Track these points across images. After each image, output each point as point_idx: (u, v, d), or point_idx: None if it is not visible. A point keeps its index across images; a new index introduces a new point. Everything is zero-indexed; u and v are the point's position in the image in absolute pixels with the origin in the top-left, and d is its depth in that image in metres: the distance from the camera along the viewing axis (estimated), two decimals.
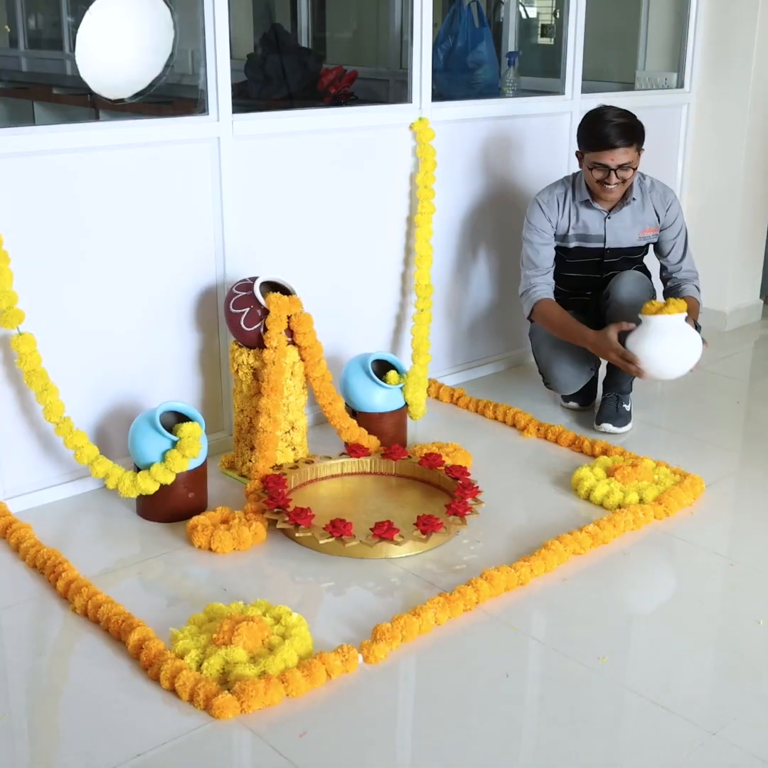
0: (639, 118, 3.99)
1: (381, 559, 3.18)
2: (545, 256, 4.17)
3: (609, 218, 4.13)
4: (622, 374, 4.10)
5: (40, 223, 3.30)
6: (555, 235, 4.18)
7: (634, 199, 4.10)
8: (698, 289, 4.20)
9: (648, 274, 4.23)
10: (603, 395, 4.20)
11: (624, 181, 3.99)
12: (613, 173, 3.96)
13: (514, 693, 2.61)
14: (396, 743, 2.44)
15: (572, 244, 4.20)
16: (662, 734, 2.45)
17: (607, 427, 4.12)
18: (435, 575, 3.11)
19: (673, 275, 4.24)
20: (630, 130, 3.91)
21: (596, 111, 4.01)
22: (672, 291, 4.20)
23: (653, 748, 2.41)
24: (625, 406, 4.18)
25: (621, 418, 4.15)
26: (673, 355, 3.81)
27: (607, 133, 3.91)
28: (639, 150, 3.97)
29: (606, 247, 4.17)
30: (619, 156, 3.92)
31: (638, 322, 3.82)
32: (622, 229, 4.15)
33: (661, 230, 4.20)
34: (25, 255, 3.25)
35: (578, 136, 4.04)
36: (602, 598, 3.06)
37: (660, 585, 3.15)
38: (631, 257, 4.21)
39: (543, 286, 4.15)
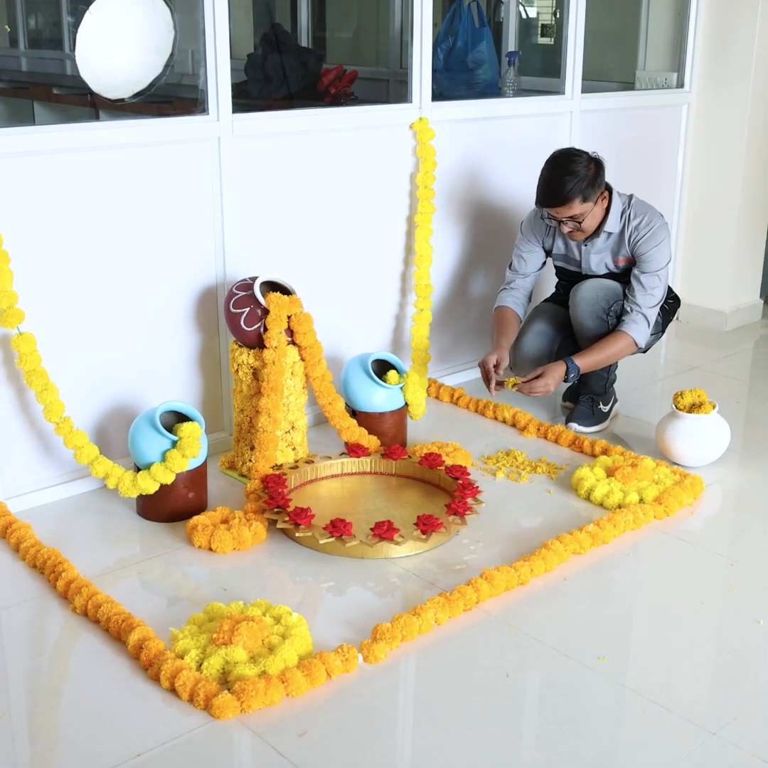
0: (597, 159, 3.89)
1: (381, 559, 3.18)
2: (526, 263, 4.27)
3: (585, 245, 4.12)
4: (591, 377, 4.15)
5: (40, 223, 3.30)
6: (543, 249, 4.27)
7: (608, 232, 4.04)
8: (644, 318, 4.01)
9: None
10: (579, 399, 4.21)
11: (579, 228, 3.97)
12: (561, 223, 3.97)
13: (514, 693, 2.61)
14: (396, 743, 2.44)
15: (556, 263, 4.31)
16: (662, 734, 2.45)
17: (574, 426, 4.15)
18: (435, 575, 3.11)
19: (625, 303, 4.09)
20: (566, 192, 3.83)
21: (549, 161, 3.94)
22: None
23: (653, 748, 2.41)
24: (602, 407, 4.21)
25: (592, 418, 4.17)
26: (701, 448, 3.83)
27: (543, 194, 3.92)
28: (588, 200, 3.87)
29: (583, 272, 4.19)
30: (562, 211, 3.91)
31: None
32: (598, 257, 4.13)
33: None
34: (25, 255, 3.26)
35: None
36: (602, 597, 3.06)
37: (660, 585, 3.15)
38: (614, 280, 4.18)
39: (512, 291, 4.28)
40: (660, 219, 4.06)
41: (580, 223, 3.93)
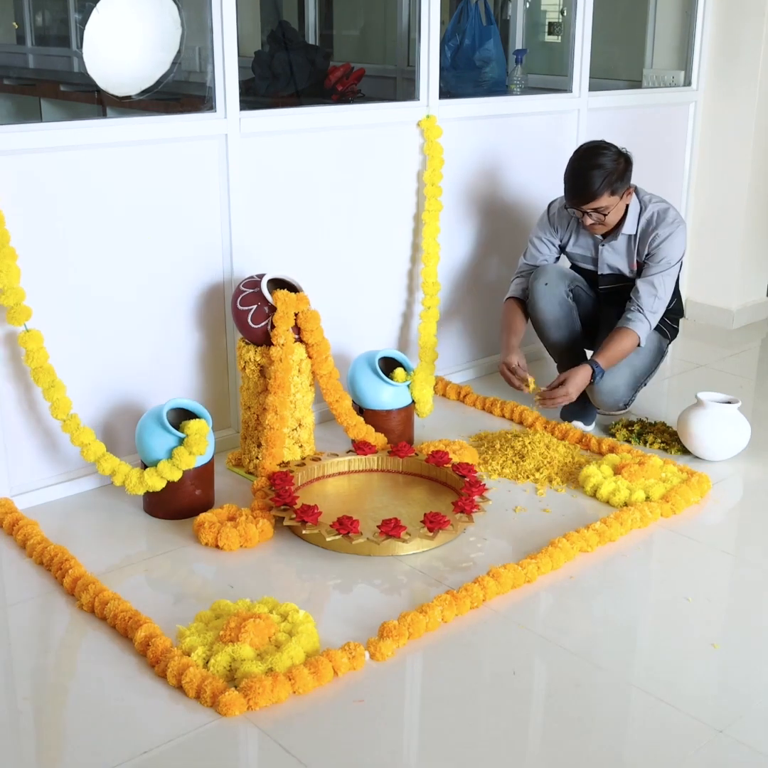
0: (626, 154, 3.88)
1: (388, 556, 3.18)
2: (540, 253, 4.23)
3: (603, 245, 4.09)
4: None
5: (46, 220, 3.31)
6: (559, 242, 4.23)
7: (628, 234, 4.01)
8: (647, 321, 3.97)
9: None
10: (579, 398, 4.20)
11: (602, 221, 3.92)
12: (586, 215, 3.92)
13: (521, 690, 2.61)
14: (402, 740, 2.44)
15: (571, 260, 4.27)
16: (669, 732, 2.45)
17: (577, 424, 4.13)
18: (442, 573, 3.11)
19: (629, 302, 4.05)
20: (595, 188, 3.80)
21: (577, 154, 3.92)
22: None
23: (660, 746, 2.41)
24: None
25: (594, 416, 4.18)
26: (721, 440, 3.88)
27: (572, 186, 3.87)
28: (616, 194, 3.85)
29: (598, 272, 4.15)
30: (590, 204, 3.86)
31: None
32: (615, 258, 4.09)
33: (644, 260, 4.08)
34: (32, 252, 3.26)
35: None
36: (609, 595, 3.06)
37: (667, 583, 3.14)
38: (628, 286, 4.10)
39: (522, 280, 4.24)
40: (678, 217, 4.02)
41: (604, 215, 3.89)
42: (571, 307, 4.16)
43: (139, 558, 3.18)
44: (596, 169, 3.80)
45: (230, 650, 2.60)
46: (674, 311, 4.24)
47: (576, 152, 3.94)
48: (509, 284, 4.33)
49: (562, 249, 4.26)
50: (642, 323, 3.98)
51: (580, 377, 3.91)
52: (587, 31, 4.77)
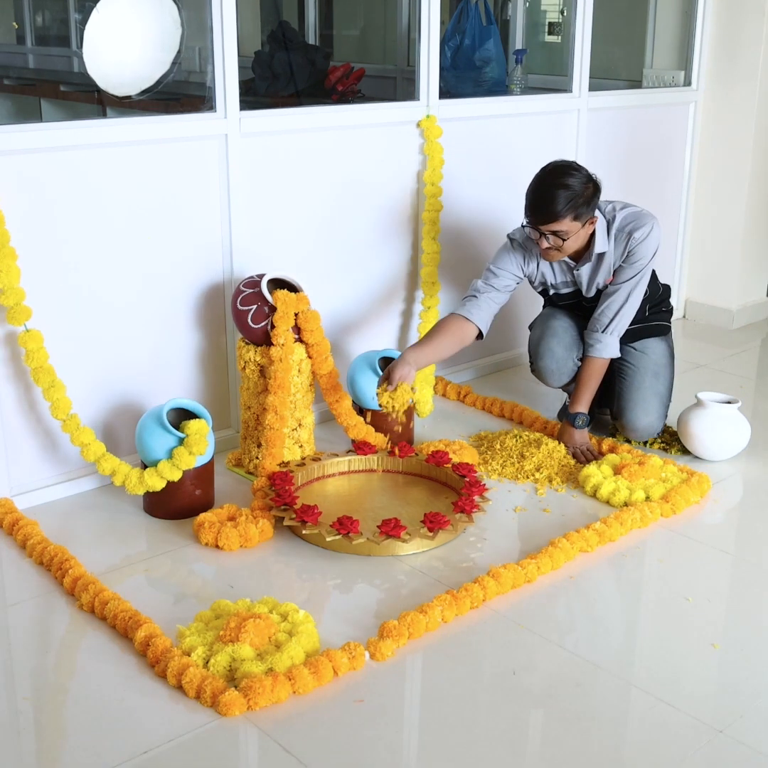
0: (595, 180, 3.61)
1: (388, 556, 3.18)
2: (494, 286, 3.86)
3: (577, 270, 3.86)
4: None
5: (47, 220, 3.31)
6: (521, 272, 3.90)
7: (599, 253, 3.76)
8: (612, 336, 3.83)
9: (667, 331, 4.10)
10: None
11: (559, 246, 3.62)
12: (543, 237, 3.61)
13: (521, 690, 2.61)
14: (402, 740, 2.44)
15: (550, 292, 4.03)
16: (669, 732, 2.45)
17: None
18: (442, 572, 3.11)
19: (594, 316, 3.89)
20: (558, 208, 3.52)
21: (544, 170, 3.63)
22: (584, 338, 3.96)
23: (660, 746, 2.41)
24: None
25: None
26: (721, 440, 3.90)
27: (535, 203, 3.59)
28: (579, 219, 3.57)
29: (586, 295, 3.95)
30: (550, 225, 3.57)
31: None
32: (594, 278, 3.87)
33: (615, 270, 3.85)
34: (32, 252, 3.26)
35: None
36: (609, 595, 3.06)
37: (667, 582, 3.14)
38: None
39: (476, 301, 3.85)
40: (649, 214, 3.81)
41: (563, 240, 3.61)
42: (576, 370, 4.02)
43: (139, 558, 3.18)
44: (563, 189, 3.52)
45: (230, 650, 2.60)
46: (663, 297, 4.10)
47: (543, 169, 3.65)
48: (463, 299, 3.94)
49: (538, 282, 3.99)
50: (606, 345, 3.85)
51: (574, 438, 3.92)
52: (587, 31, 4.77)
